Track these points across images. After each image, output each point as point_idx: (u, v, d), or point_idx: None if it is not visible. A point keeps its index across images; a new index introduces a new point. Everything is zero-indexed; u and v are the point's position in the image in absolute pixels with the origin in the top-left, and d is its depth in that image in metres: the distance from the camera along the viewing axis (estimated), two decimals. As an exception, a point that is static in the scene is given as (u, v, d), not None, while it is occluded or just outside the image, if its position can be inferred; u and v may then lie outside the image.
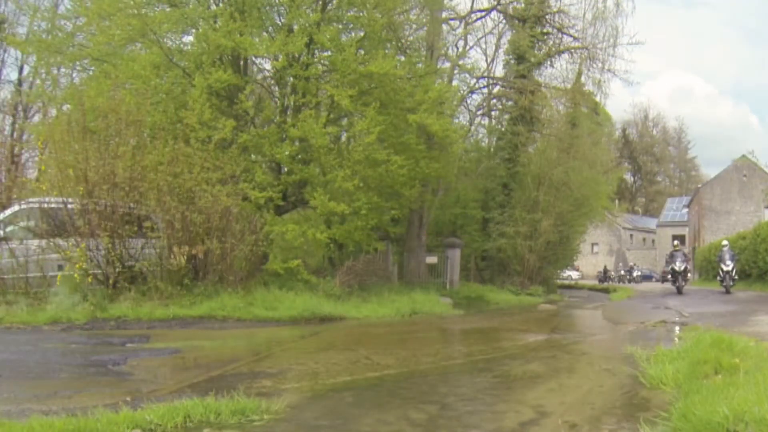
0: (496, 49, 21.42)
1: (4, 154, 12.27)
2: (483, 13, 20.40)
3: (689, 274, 18.07)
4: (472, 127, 22.22)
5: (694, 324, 7.86)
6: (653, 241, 56.97)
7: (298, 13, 12.28)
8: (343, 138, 15.42)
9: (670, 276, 18.91)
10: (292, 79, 12.94)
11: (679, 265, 17.64)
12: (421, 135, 14.61)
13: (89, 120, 10.20)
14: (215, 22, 12.19)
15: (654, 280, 44.00)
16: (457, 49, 20.02)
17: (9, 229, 9.52)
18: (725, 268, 16.68)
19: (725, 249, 17.26)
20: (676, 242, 19.37)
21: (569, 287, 30.87)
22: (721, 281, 16.80)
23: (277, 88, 14.20)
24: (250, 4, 12.30)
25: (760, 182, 36.50)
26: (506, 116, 21.65)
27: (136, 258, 9.68)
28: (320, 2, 12.87)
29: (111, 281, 9.38)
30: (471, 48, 21.00)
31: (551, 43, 21.12)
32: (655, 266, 52.32)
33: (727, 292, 16.00)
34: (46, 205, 9.53)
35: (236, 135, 11.93)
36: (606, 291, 28.52)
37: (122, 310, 8.65)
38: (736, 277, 17.20)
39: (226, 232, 10.19)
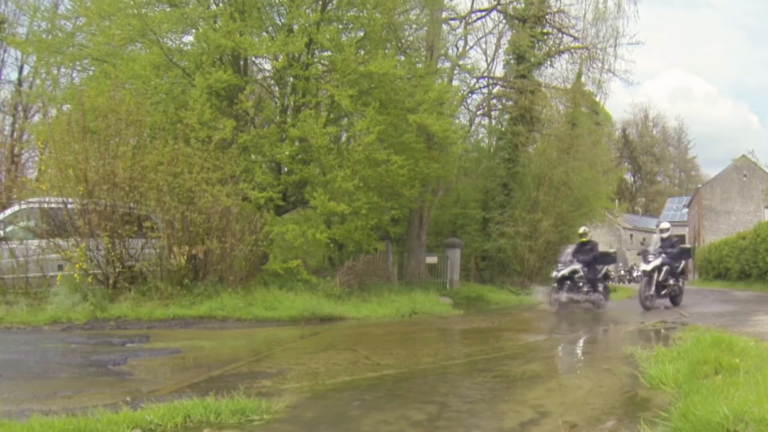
0: (496, 49, 21.44)
1: (4, 154, 12.28)
2: (483, 13, 20.40)
3: (581, 279, 11.73)
4: (472, 127, 22.23)
5: (694, 324, 7.86)
6: (653, 241, 56.85)
7: (298, 13, 12.28)
8: (343, 138, 15.42)
9: (554, 284, 12.15)
10: (292, 79, 12.94)
11: (562, 265, 11.97)
12: (421, 135, 14.61)
13: (89, 120, 10.20)
14: (215, 22, 12.19)
15: (654, 280, 44.03)
16: (457, 49, 20.03)
17: (9, 229, 9.53)
18: (644, 267, 11.06)
19: (655, 237, 11.69)
20: (582, 229, 13.00)
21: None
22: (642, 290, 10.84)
23: (277, 88, 14.20)
24: (250, 4, 12.30)
25: (760, 182, 36.53)
26: (506, 116, 21.66)
27: (136, 258, 9.69)
28: (320, 2, 12.87)
29: (111, 281, 9.38)
30: (471, 48, 21.02)
31: (551, 43, 21.14)
32: (655, 266, 52.25)
33: (645, 308, 10.61)
34: (46, 205, 9.54)
35: (236, 135, 11.93)
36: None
37: (122, 310, 8.66)
38: (672, 282, 11.19)
39: (226, 232, 10.19)
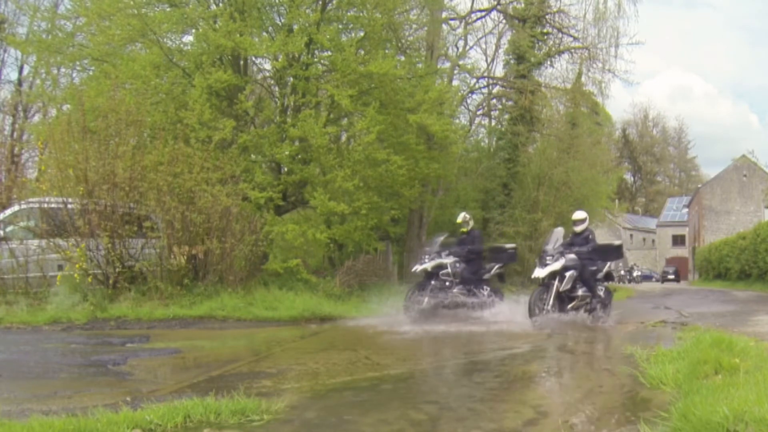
0: (496, 49, 21.43)
1: (4, 154, 12.27)
2: (483, 13, 20.39)
3: (449, 277, 9.34)
4: (472, 127, 22.23)
5: (694, 324, 7.85)
6: (653, 241, 57.06)
7: (297, 13, 12.28)
8: (343, 138, 15.42)
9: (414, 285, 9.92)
10: (292, 79, 12.94)
11: (428, 258, 9.29)
12: (421, 135, 14.61)
13: (89, 120, 10.21)
14: (215, 22, 12.19)
15: (654, 280, 44.16)
16: (457, 49, 20.03)
17: (9, 229, 9.54)
18: (537, 272, 8.40)
19: (558, 231, 9.00)
20: (462, 216, 10.12)
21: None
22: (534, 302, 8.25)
23: (277, 88, 14.20)
24: (250, 4, 12.30)
25: (760, 182, 36.56)
26: (506, 116, 21.64)
27: (136, 258, 9.69)
28: (320, 2, 12.87)
29: (111, 281, 9.38)
30: (471, 48, 21.02)
31: (551, 43, 21.12)
32: (656, 266, 52.39)
33: (535, 324, 8.27)
34: (46, 205, 9.54)
35: (236, 135, 11.94)
36: (606, 291, 28.40)
37: (122, 310, 8.66)
38: (582, 293, 8.58)
39: (226, 232, 10.19)
